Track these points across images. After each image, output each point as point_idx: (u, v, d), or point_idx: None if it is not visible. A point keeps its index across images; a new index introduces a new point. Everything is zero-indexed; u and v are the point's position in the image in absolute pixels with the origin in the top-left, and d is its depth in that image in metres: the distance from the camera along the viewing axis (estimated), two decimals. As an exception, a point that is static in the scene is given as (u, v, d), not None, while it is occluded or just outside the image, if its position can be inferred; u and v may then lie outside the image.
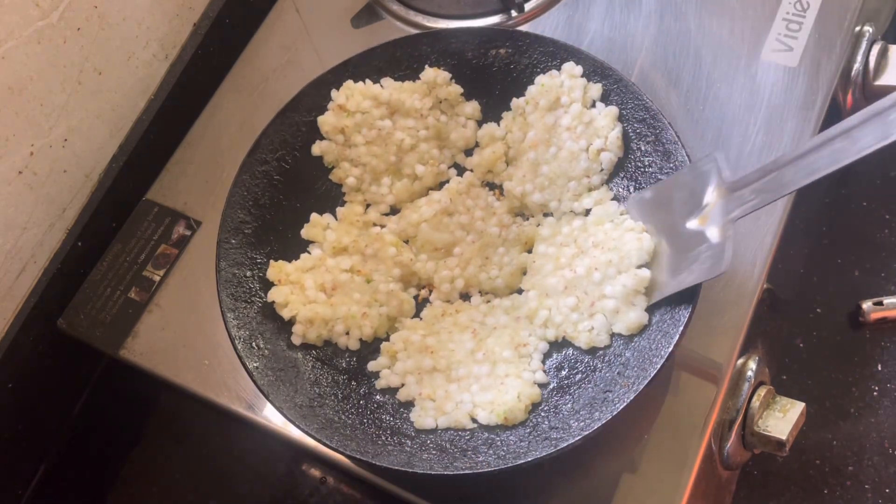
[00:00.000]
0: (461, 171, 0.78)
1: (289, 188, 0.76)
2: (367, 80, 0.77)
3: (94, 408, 0.85)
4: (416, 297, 0.74)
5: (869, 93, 0.79)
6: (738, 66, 0.79)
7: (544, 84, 0.75)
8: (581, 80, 0.74)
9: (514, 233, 0.74)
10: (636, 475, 0.67)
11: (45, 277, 0.79)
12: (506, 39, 0.77)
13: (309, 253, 0.74)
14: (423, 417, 0.66)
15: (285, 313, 0.70)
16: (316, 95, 0.77)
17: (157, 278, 0.79)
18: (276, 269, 0.71)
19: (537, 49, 0.76)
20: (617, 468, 0.67)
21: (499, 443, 0.64)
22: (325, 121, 0.76)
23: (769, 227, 0.72)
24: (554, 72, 0.75)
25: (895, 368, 0.82)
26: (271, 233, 0.74)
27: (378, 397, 0.69)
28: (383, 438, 0.65)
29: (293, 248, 0.74)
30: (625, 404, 0.61)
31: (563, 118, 0.73)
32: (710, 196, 0.64)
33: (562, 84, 0.74)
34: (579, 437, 0.60)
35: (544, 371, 0.68)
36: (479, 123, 0.78)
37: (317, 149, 0.77)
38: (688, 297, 0.63)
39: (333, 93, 0.77)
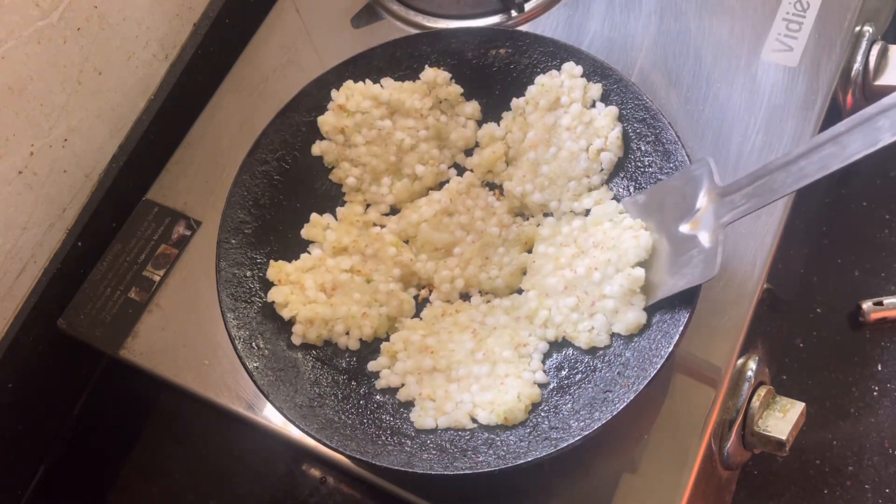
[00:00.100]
0: (461, 171, 0.78)
1: (289, 188, 0.76)
2: (367, 80, 0.77)
3: (94, 408, 0.85)
4: (416, 297, 0.74)
5: (869, 93, 0.79)
6: (738, 66, 0.79)
7: (544, 84, 0.75)
8: (581, 80, 0.74)
9: (514, 233, 0.74)
10: (636, 475, 0.67)
11: (45, 277, 0.79)
12: (506, 39, 0.77)
13: (309, 253, 0.74)
14: (423, 417, 0.66)
15: (285, 313, 0.70)
16: (316, 95, 0.77)
17: (157, 278, 0.79)
18: (276, 269, 0.71)
19: (537, 49, 0.76)
20: (617, 468, 0.67)
21: (499, 443, 0.64)
22: (325, 121, 0.76)
23: (769, 227, 0.72)
24: (554, 72, 0.75)
25: (895, 368, 0.82)
26: (271, 233, 0.74)
27: (378, 397, 0.69)
28: (383, 438, 0.65)
29: (293, 248, 0.74)
30: (625, 404, 0.61)
31: (563, 118, 0.73)
32: (702, 200, 0.64)
33: (562, 84, 0.74)
34: (579, 437, 0.60)
35: (544, 371, 0.68)
36: (479, 123, 0.78)
37: (317, 149, 0.77)
38: (688, 297, 0.63)
39: (333, 93, 0.77)
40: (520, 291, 0.72)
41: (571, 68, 0.74)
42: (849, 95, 0.80)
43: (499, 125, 0.77)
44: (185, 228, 0.81)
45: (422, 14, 0.87)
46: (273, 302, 0.70)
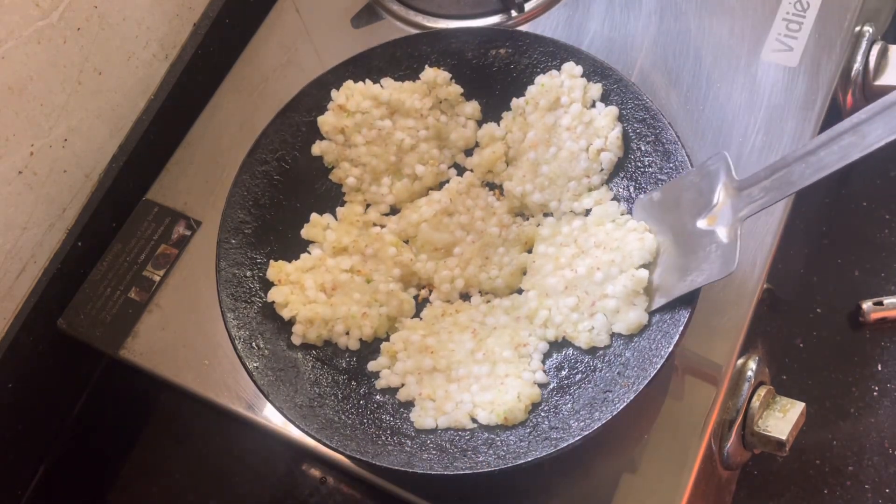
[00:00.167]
0: (461, 171, 0.78)
1: (289, 188, 0.76)
2: (367, 80, 0.77)
3: (94, 408, 0.85)
4: (416, 297, 0.74)
5: (869, 93, 0.79)
6: (738, 66, 0.79)
7: (544, 84, 0.75)
8: (581, 80, 0.74)
9: (514, 233, 0.74)
10: (636, 475, 0.67)
11: (45, 277, 0.79)
12: (506, 39, 0.77)
13: (309, 253, 0.74)
14: (423, 417, 0.66)
15: (285, 313, 0.70)
16: (316, 95, 0.77)
17: (157, 278, 0.79)
18: (276, 269, 0.71)
19: (537, 49, 0.76)
20: (617, 468, 0.67)
21: (499, 443, 0.64)
22: (325, 121, 0.76)
23: (769, 227, 0.72)
24: (554, 72, 0.75)
25: (895, 368, 0.82)
26: (271, 233, 0.74)
27: (378, 397, 0.69)
28: (383, 438, 0.65)
29: (293, 248, 0.74)
30: (625, 404, 0.61)
31: (563, 118, 0.73)
32: (719, 195, 0.63)
33: (562, 84, 0.74)
34: (579, 437, 0.60)
35: (544, 371, 0.68)
36: (479, 123, 0.78)
37: (317, 149, 0.77)
38: (688, 297, 0.63)
39: (333, 93, 0.77)
40: (520, 291, 0.72)
41: (571, 68, 0.74)
42: (849, 95, 0.80)
43: (499, 125, 0.77)
44: (185, 228, 0.81)
45: (422, 14, 0.87)
46: (273, 302, 0.70)
